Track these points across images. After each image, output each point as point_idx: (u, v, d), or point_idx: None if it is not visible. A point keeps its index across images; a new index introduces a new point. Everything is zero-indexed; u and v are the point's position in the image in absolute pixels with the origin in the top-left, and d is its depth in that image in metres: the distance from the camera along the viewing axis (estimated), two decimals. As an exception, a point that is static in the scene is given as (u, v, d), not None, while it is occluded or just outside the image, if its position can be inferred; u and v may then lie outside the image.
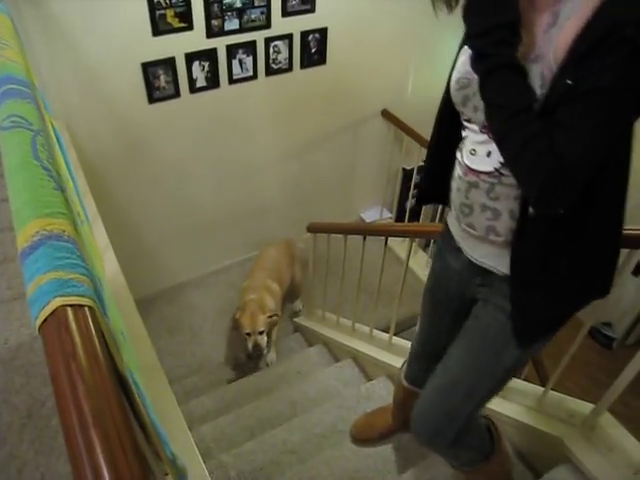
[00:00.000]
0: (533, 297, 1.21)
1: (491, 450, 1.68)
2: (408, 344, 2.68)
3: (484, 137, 1.15)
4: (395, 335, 2.81)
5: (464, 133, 1.24)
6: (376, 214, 4.57)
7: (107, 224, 2.40)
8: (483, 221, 1.21)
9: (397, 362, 2.65)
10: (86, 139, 3.09)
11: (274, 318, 3.23)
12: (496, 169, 1.13)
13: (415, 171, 3.98)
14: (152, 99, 3.18)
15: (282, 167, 3.99)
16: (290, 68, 3.48)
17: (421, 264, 4.06)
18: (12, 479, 1.75)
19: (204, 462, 2.42)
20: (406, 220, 4.29)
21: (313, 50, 3.49)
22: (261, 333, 3.09)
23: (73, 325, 0.58)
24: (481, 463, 1.65)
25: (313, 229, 3.10)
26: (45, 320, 0.60)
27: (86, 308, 0.62)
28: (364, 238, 2.62)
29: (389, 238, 2.50)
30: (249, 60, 3.31)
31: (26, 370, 1.60)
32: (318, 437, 2.45)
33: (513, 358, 1.35)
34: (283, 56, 3.41)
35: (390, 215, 4.54)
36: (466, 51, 1.15)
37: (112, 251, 2.24)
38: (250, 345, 3.10)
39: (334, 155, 4.16)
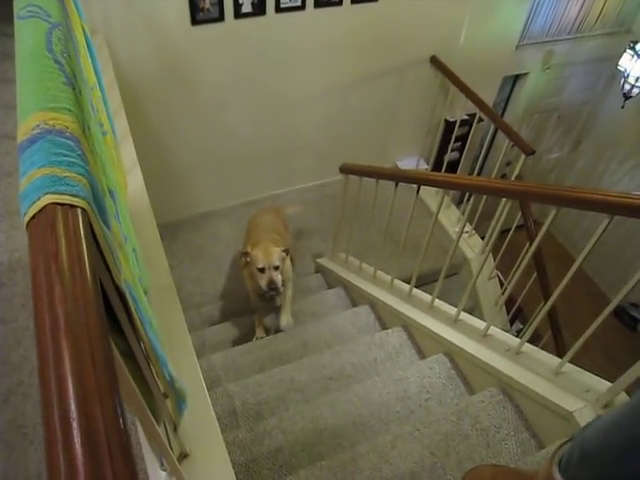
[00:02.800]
0: None
1: None
2: (427, 297, 2.64)
3: None
4: (416, 287, 2.77)
5: None
6: (412, 164, 4.45)
7: (138, 144, 2.36)
8: None
9: (414, 314, 2.62)
10: (125, 56, 3.03)
11: (287, 254, 2.86)
12: None
13: (457, 124, 3.83)
14: (195, 21, 3.08)
15: (321, 105, 3.88)
16: (340, 2, 3.33)
17: (451, 219, 3.97)
18: (24, 380, 1.79)
19: (211, 389, 2.46)
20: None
21: (366, -16, 3.33)
22: (276, 269, 2.70)
23: (60, 225, 0.54)
24: None
25: (346, 170, 3.02)
26: (33, 217, 0.56)
27: (78, 210, 0.58)
28: (396, 184, 2.54)
29: (423, 190, 2.39)
30: (299, -13, 3.18)
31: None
32: (325, 379, 2.45)
33: None
34: (334, -13, 3.26)
35: (426, 167, 4.42)
36: None
37: (139, 170, 2.20)
38: (264, 282, 2.69)
39: (376, 98, 4.02)
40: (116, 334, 0.91)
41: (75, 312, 0.47)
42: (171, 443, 1.39)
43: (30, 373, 1.81)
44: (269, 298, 3.06)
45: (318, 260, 3.82)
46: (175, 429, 1.29)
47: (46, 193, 0.57)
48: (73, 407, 0.41)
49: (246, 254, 2.77)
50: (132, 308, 0.81)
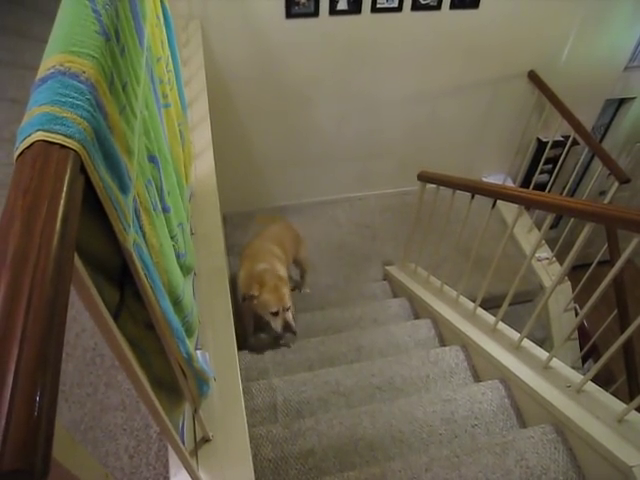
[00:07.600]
0: None
1: None
2: (491, 319, 2.50)
3: None
4: (485, 309, 2.63)
5: None
6: (498, 181, 4.24)
7: (221, 131, 2.36)
8: None
9: (475, 334, 2.50)
10: (217, 42, 3.08)
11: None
12: None
13: (550, 145, 3.62)
14: (290, 14, 3.10)
15: (409, 110, 3.79)
16: (439, 6, 3.24)
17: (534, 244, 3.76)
18: (69, 340, 1.84)
19: (257, 380, 2.44)
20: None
21: (467, -10, 3.23)
22: (288, 309, 2.53)
23: (42, 162, 0.51)
24: None
25: (423, 177, 2.92)
26: (22, 153, 0.53)
27: (71, 152, 0.55)
28: (472, 196, 2.42)
29: (508, 212, 2.24)
30: (397, -12, 3.12)
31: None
32: (372, 387, 2.37)
33: None
34: (434, -10, 3.18)
35: (513, 186, 4.22)
36: None
37: (211, 152, 2.21)
38: (279, 325, 2.51)
39: (466, 109, 3.88)
40: (139, 304, 0.89)
41: (26, 249, 0.44)
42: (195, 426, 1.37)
43: (77, 334, 1.85)
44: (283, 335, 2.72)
45: (387, 267, 3.73)
46: (196, 411, 1.25)
47: (38, 130, 0.54)
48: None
49: (253, 298, 2.50)
50: (141, 272, 0.77)
